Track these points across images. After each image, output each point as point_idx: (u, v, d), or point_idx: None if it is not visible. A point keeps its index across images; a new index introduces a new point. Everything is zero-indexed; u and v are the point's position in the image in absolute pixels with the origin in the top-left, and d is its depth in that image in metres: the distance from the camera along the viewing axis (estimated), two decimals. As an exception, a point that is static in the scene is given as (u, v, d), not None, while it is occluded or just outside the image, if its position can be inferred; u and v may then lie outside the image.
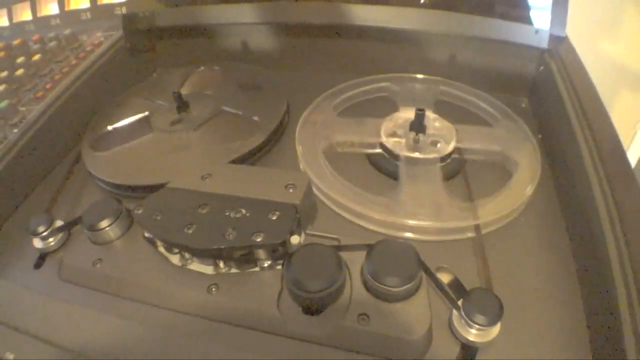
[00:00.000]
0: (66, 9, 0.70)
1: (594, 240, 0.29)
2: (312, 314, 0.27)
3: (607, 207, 0.29)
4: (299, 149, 0.40)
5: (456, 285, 0.29)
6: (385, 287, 0.25)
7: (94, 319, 0.28)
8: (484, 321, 0.24)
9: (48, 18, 0.72)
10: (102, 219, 0.32)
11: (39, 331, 0.27)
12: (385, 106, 0.46)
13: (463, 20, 0.50)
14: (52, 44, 0.58)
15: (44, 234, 0.35)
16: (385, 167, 0.40)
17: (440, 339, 0.26)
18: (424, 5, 0.50)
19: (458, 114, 0.45)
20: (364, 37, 0.53)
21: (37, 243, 0.36)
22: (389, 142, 0.40)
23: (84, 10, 0.68)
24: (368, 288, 0.27)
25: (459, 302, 0.26)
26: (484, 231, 0.33)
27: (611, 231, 0.27)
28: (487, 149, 0.41)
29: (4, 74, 0.56)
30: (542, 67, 0.48)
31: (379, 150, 0.41)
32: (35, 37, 0.64)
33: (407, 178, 0.37)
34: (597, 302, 0.27)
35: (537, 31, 0.48)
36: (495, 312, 0.24)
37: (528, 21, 0.49)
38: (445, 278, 0.30)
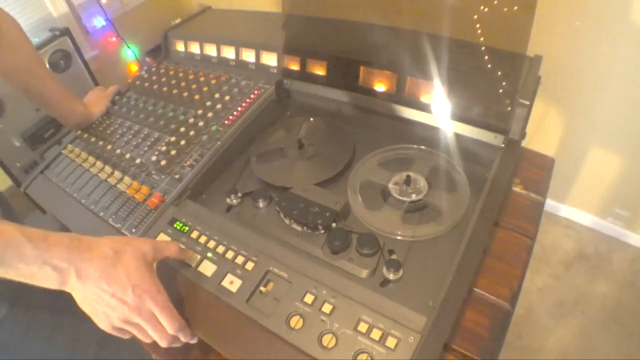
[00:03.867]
0: (239, 58, 1.17)
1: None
2: (334, 254, 0.70)
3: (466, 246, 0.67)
4: (349, 192, 0.80)
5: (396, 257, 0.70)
6: (361, 250, 0.68)
7: (252, 234, 0.74)
8: (392, 270, 0.65)
9: (227, 60, 1.19)
10: (260, 197, 0.78)
11: (231, 234, 0.74)
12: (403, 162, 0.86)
13: (454, 125, 0.86)
14: (235, 90, 1.05)
15: (233, 197, 0.82)
16: (386, 198, 0.79)
17: (378, 272, 0.68)
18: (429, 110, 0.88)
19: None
20: (403, 122, 0.92)
21: (229, 201, 0.83)
22: (393, 189, 0.80)
23: (251, 63, 1.15)
24: (356, 249, 0.69)
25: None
26: (418, 239, 0.73)
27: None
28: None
29: (209, 103, 1.04)
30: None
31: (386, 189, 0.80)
32: (223, 77, 1.12)
33: (389, 207, 0.78)
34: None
35: (496, 136, 0.84)
36: (397, 267, 0.65)
37: (494, 129, 0.85)
38: (393, 255, 0.71)
